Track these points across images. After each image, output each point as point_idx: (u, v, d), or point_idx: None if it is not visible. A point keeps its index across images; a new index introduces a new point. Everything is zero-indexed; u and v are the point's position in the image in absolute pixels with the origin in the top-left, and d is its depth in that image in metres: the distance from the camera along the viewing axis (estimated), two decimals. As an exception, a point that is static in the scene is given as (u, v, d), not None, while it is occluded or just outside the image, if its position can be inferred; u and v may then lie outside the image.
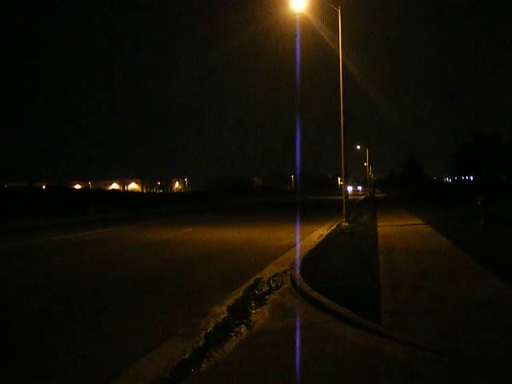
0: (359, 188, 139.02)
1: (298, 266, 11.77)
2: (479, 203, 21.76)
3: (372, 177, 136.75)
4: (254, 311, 8.36)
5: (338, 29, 23.04)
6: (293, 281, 10.47)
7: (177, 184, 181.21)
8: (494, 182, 60.76)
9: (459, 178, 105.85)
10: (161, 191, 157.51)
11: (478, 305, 7.77)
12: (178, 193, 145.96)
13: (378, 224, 23.50)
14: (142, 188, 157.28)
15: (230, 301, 9.17)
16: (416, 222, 23.70)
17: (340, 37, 23.15)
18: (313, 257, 13.27)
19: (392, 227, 21.80)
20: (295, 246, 17.07)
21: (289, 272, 11.66)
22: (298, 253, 14.75)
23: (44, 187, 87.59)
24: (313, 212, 40.72)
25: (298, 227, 24.93)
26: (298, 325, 7.43)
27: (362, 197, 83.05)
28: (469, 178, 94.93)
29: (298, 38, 25.31)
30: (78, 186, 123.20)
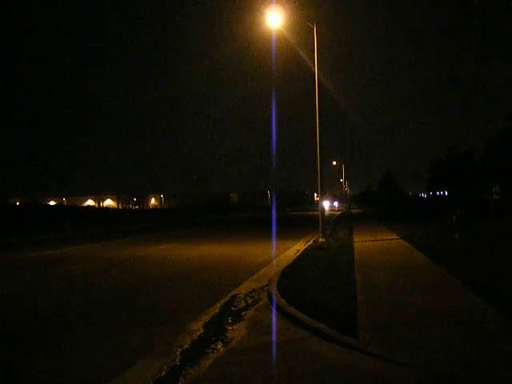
0: (335, 204, 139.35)
1: (275, 281, 11.73)
2: (454, 218, 22.01)
3: (348, 192, 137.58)
4: (230, 328, 8.30)
5: (314, 45, 23.29)
6: (270, 297, 10.43)
7: (153, 200, 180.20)
8: (469, 197, 61.52)
9: (434, 194, 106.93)
10: (136, 207, 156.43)
11: (454, 319, 7.81)
12: (154, 209, 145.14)
13: (355, 239, 23.60)
14: (118, 204, 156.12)
15: (206, 317, 9.10)
16: (392, 237, 23.86)
17: (316, 54, 23.38)
18: (290, 272, 13.23)
19: (368, 242, 21.91)
20: (272, 261, 17.04)
21: (266, 288, 11.63)
22: (274, 268, 14.71)
23: (17, 203, 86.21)
24: (289, 228, 40.74)
25: (274, 243, 24.92)
26: (275, 341, 7.39)
27: (339, 212, 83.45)
28: (444, 193, 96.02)
29: (274, 54, 25.41)
30: (52, 203, 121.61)
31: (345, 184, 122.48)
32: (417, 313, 8.33)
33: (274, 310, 9.43)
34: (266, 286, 11.88)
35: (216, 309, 9.81)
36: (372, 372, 5.78)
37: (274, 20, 21.66)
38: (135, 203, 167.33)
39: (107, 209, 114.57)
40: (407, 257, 15.95)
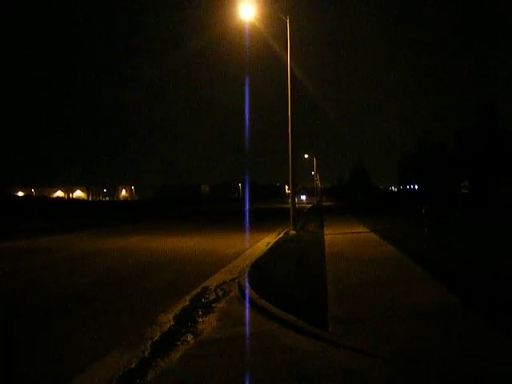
0: (302, 197, 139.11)
1: (246, 273, 11.76)
2: (423, 211, 22.35)
3: (319, 185, 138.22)
4: (201, 320, 8.29)
5: (287, 38, 23.29)
6: (240, 289, 10.45)
7: (123, 192, 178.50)
8: (438, 191, 62.38)
9: (405, 188, 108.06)
10: (107, 199, 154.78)
11: (423, 311, 7.93)
12: (125, 201, 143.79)
13: (325, 232, 23.74)
14: (88, 196, 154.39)
15: (176, 309, 9.07)
16: (362, 230, 24.07)
17: (289, 46, 23.38)
18: (260, 265, 13.27)
19: (339, 235, 22.06)
20: (243, 253, 17.07)
21: (236, 280, 11.64)
22: (245, 261, 14.74)
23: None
24: (260, 220, 40.80)
25: (245, 235, 24.95)
26: (245, 333, 7.41)
27: (309, 205, 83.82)
28: (414, 187, 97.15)
29: (247, 46, 25.34)
30: (20, 194, 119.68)
31: (316, 177, 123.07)
32: (386, 305, 8.42)
33: (244, 302, 9.45)
34: (237, 278, 11.90)
35: (186, 301, 9.78)
36: (340, 362, 5.84)
37: (247, 12, 21.62)
38: (105, 195, 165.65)
39: (77, 200, 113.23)
40: (377, 250, 16.11)
